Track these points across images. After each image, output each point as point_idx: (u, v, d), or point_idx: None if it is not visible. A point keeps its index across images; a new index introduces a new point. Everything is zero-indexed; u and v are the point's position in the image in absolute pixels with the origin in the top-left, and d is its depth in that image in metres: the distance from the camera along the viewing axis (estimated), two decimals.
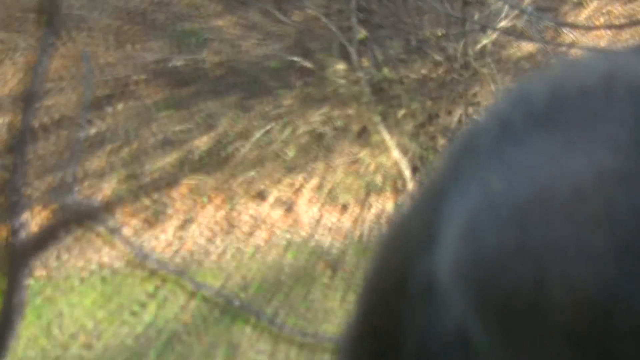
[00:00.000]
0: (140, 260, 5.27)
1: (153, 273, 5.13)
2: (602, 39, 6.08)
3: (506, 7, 5.79)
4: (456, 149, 0.45)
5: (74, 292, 5.05)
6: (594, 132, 0.39)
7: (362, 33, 6.16)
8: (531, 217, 0.38)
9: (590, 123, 0.40)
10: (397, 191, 5.43)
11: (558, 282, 0.37)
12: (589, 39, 6.11)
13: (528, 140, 0.41)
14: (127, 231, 5.43)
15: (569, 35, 6.13)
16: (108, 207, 5.54)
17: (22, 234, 5.05)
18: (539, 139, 0.40)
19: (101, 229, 5.31)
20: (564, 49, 5.96)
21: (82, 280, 5.10)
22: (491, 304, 0.38)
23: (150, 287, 5.04)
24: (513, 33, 5.91)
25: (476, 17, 5.86)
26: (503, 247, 0.38)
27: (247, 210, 5.49)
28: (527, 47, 6.04)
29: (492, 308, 0.38)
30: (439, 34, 6.17)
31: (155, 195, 5.60)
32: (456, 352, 0.41)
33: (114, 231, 5.27)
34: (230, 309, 5.01)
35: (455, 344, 0.41)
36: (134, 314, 4.92)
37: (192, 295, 5.05)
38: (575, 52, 5.99)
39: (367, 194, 5.46)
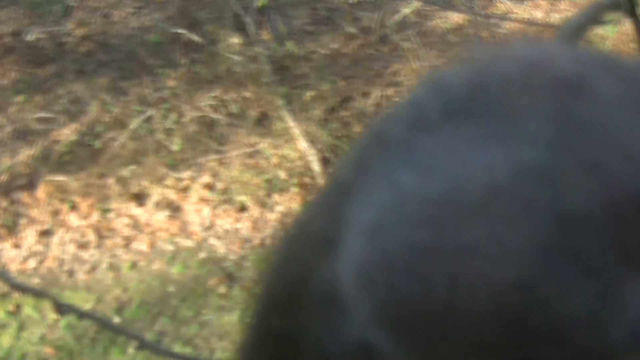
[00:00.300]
0: None
1: (7, 294, 4.95)
2: (538, 9, 6.29)
3: None
4: (365, 140, 0.49)
5: None
6: (513, 126, 0.43)
7: (262, 0, 6.06)
8: (443, 215, 0.41)
9: (510, 116, 0.43)
10: (304, 188, 5.45)
11: (472, 284, 0.39)
12: (524, 10, 6.29)
13: (443, 132, 0.44)
14: None
15: (502, 6, 6.25)
16: None
17: None
18: (455, 131, 0.43)
19: None
20: (496, 20, 6.15)
21: None
22: (398, 311, 0.40)
23: (9, 306, 4.92)
24: (438, 2, 5.99)
25: None
26: (412, 247, 0.41)
27: (123, 214, 5.33)
28: (455, 18, 6.15)
29: (399, 315, 0.40)
30: (353, 1, 6.25)
31: (7, 200, 5.41)
32: None
33: None
34: (106, 332, 4.90)
35: (358, 356, 0.43)
36: None
37: (59, 317, 4.92)
38: (508, 24, 6.10)
39: (269, 193, 5.46)
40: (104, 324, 4.83)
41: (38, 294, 4.91)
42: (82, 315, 4.75)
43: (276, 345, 0.50)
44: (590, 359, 0.40)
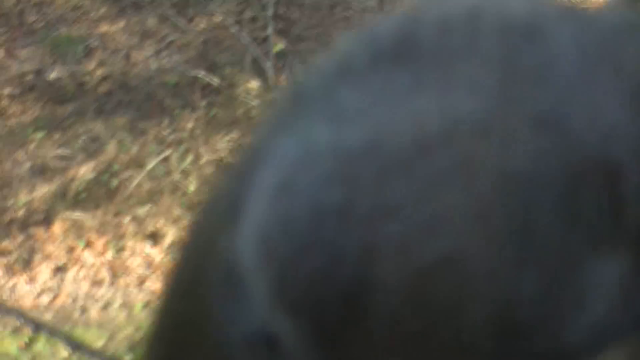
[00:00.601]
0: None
1: (18, 329, 5.00)
2: None
3: None
4: (283, 97, 0.44)
5: None
6: (450, 72, 0.38)
7: (280, 45, 6.07)
8: (359, 171, 0.36)
9: (447, 61, 0.38)
10: None
11: (390, 256, 0.34)
12: None
13: (368, 81, 0.39)
14: None
15: None
16: None
17: None
18: (382, 79, 0.38)
19: None
20: None
21: None
22: (299, 289, 0.35)
23: (21, 341, 4.97)
24: None
25: None
26: (319, 209, 0.35)
27: (138, 254, 5.34)
28: None
29: (300, 295, 0.35)
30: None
31: (23, 235, 5.41)
32: (261, 357, 0.38)
33: None
34: None
35: (260, 347, 0.38)
36: None
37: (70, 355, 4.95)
38: None
39: None
40: (76, 346, 4.83)
41: (51, 331, 4.91)
42: (92, 353, 4.75)
43: (180, 334, 0.45)
44: (537, 359, 0.35)
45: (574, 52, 0.39)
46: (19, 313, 4.99)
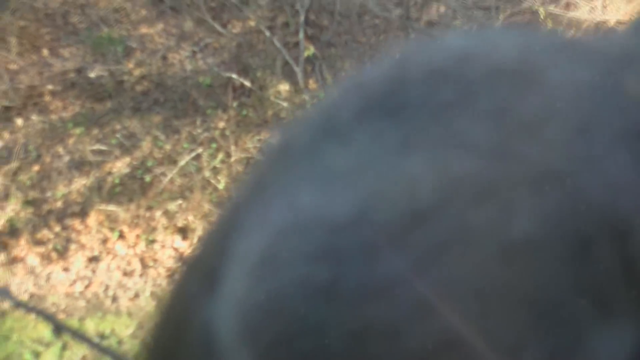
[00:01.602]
0: (36, 303, 5.12)
1: (54, 314, 5.01)
2: None
3: None
4: (270, 150, 0.40)
5: None
6: (441, 128, 0.34)
7: (310, 50, 6.09)
8: (347, 245, 0.32)
9: (437, 116, 0.35)
10: None
11: (385, 340, 0.31)
12: None
13: (354, 139, 0.35)
14: (25, 266, 5.27)
15: None
16: (6, 236, 5.40)
17: None
18: (368, 138, 0.35)
19: None
20: None
21: None
22: None
23: (48, 330, 4.95)
24: None
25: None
26: (306, 288, 0.32)
27: (168, 246, 5.36)
28: None
29: None
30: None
31: (60, 226, 5.43)
32: None
33: None
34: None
35: None
36: (34, 354, 4.86)
37: (98, 342, 4.93)
38: None
39: None
40: (94, 345, 4.86)
41: (38, 312, 4.91)
42: (76, 336, 4.78)
43: None
44: None
45: (569, 95, 0.35)
46: (38, 311, 5.02)
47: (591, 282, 0.32)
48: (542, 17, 6.48)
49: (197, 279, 0.40)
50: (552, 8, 6.64)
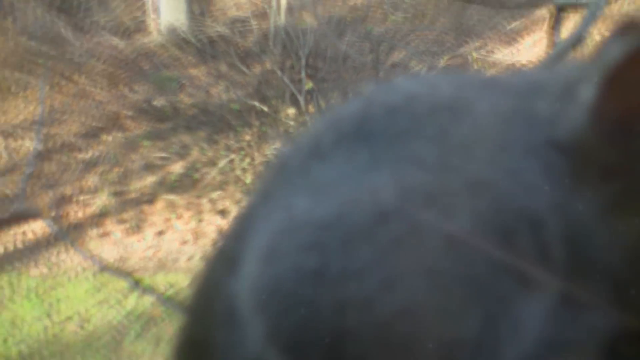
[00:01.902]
0: (120, 263, 5.29)
1: (129, 274, 5.12)
2: None
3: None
4: (271, 167, 0.40)
5: (70, 284, 5.14)
6: (399, 150, 0.34)
7: (309, 84, 6.39)
8: (330, 240, 0.33)
9: (394, 140, 0.35)
10: None
11: (358, 310, 0.31)
12: None
13: (334, 159, 0.36)
14: (112, 238, 5.49)
15: None
16: (99, 217, 5.61)
17: None
18: (344, 157, 0.35)
19: (56, 234, 5.27)
20: None
21: (76, 275, 5.19)
22: (287, 335, 0.32)
23: (128, 284, 5.09)
24: None
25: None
26: (299, 272, 0.33)
27: (212, 224, 5.59)
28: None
29: (288, 339, 0.32)
30: (364, 95, 6.28)
31: (137, 210, 5.67)
32: None
33: (61, 235, 5.22)
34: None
35: None
36: (118, 302, 5.01)
37: (164, 291, 5.08)
38: None
39: None
40: (163, 298, 4.88)
41: (122, 273, 4.91)
42: (151, 291, 4.77)
43: (193, 355, 0.40)
44: None
45: (493, 121, 0.36)
46: (121, 271, 5.10)
47: (515, 263, 0.32)
48: (472, 59, 6.53)
49: (223, 262, 0.39)
50: (480, 53, 6.75)
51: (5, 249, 5.35)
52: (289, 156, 0.38)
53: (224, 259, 0.39)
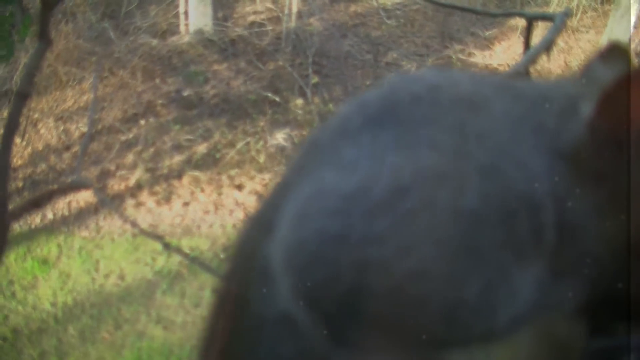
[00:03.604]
0: (153, 228, 5.24)
1: (160, 237, 4.90)
2: None
3: None
4: (304, 145, 0.38)
5: (108, 247, 5.11)
6: (419, 133, 0.33)
7: (315, 79, 6.28)
8: (353, 209, 0.32)
9: (416, 125, 0.34)
10: None
11: (375, 271, 0.31)
12: None
13: (359, 139, 0.34)
14: (146, 207, 5.41)
15: None
16: (135, 189, 5.54)
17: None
18: (369, 138, 0.34)
19: (100, 200, 5.14)
20: None
21: (113, 239, 5.15)
22: (309, 290, 0.32)
23: (159, 246, 4.95)
24: None
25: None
26: (325, 234, 0.32)
27: (230, 197, 5.50)
28: None
29: (310, 294, 0.32)
30: (367, 83, 6.15)
31: (167, 184, 5.57)
32: (284, 331, 0.34)
33: (106, 203, 5.11)
34: (216, 263, 4.84)
35: (284, 323, 0.34)
36: (151, 261, 4.98)
37: (189, 253, 5.03)
38: None
39: None
40: (189, 258, 4.81)
41: (154, 236, 4.78)
42: (178, 252, 4.69)
43: (233, 306, 0.39)
44: (478, 340, 0.32)
45: (505, 119, 0.35)
46: (153, 234, 4.98)
47: (514, 240, 0.31)
48: (454, 61, 6.40)
49: (260, 227, 0.38)
50: (460, 55, 6.64)
51: (59, 214, 5.33)
52: (320, 135, 0.37)
53: (261, 225, 0.38)
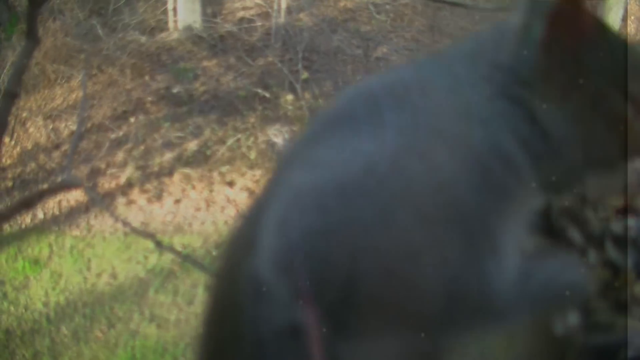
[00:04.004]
0: (144, 227, 5.19)
1: (152, 235, 4.82)
2: None
3: None
4: (278, 162, 0.36)
5: (100, 246, 5.07)
6: (379, 122, 0.33)
7: (305, 75, 6.22)
8: (331, 201, 0.32)
9: (374, 116, 0.34)
10: None
11: (366, 256, 0.29)
12: None
13: (323, 141, 0.34)
14: (137, 205, 5.38)
15: None
16: (126, 187, 5.50)
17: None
18: (331, 138, 0.33)
19: (90, 199, 5.13)
20: None
21: (104, 238, 5.10)
22: (309, 287, 0.31)
23: (151, 244, 4.73)
24: None
25: None
26: (310, 232, 0.31)
27: (222, 193, 5.50)
28: None
29: (311, 290, 0.31)
30: (358, 78, 6.14)
31: (158, 181, 5.56)
32: (289, 342, 0.33)
33: (97, 201, 5.10)
34: (209, 260, 4.81)
35: (288, 335, 0.33)
36: (143, 259, 4.99)
37: (181, 250, 4.97)
38: None
39: None
40: (181, 256, 4.76)
41: (146, 235, 4.75)
42: (170, 250, 4.64)
43: (222, 332, 0.38)
44: (475, 318, 0.32)
45: (463, 82, 0.36)
46: (145, 232, 4.96)
47: (493, 191, 0.32)
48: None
49: (241, 245, 0.37)
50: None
51: (50, 213, 5.31)
52: (287, 148, 0.31)
53: (242, 242, 0.37)
